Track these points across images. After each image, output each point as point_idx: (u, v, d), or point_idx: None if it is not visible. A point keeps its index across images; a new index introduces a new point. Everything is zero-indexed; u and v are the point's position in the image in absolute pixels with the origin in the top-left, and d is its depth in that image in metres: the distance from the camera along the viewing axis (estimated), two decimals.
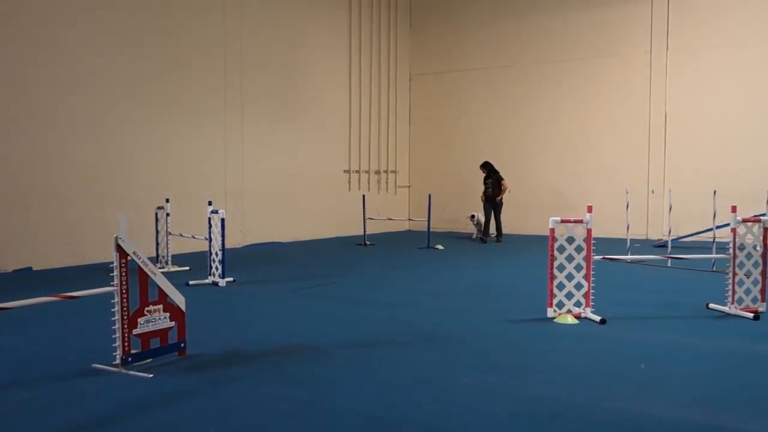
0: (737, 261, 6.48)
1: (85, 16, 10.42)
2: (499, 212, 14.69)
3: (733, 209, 6.57)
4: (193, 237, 9.59)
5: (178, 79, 11.98)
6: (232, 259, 9.55)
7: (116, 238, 4.37)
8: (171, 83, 11.85)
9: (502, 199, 14.57)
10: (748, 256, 6.53)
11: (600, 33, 15.95)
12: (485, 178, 14.72)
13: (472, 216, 15.20)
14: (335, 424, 3.60)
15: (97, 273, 9.09)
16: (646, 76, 15.44)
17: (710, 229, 10.37)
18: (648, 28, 15.37)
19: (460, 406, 3.85)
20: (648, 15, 15.35)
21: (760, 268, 6.51)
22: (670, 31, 15.15)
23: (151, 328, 4.63)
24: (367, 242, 14.01)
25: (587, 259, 6.26)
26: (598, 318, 6.10)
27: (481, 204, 14.81)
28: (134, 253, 4.46)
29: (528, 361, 4.86)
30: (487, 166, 14.78)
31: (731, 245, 6.51)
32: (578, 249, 6.28)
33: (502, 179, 14.58)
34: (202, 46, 12.45)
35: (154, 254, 9.68)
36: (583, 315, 6.26)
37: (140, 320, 4.55)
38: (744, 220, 6.59)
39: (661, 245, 13.13)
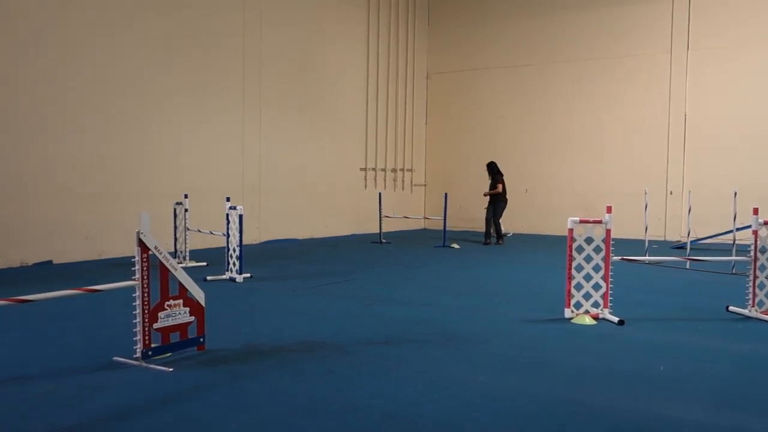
0: (758, 264, 6.42)
1: (103, 16, 10.51)
2: (499, 214, 14.16)
3: (755, 211, 6.51)
4: (211, 233, 9.66)
5: (197, 75, 12.06)
6: (249, 255, 9.61)
7: (138, 233, 4.41)
8: (190, 79, 11.93)
9: (494, 196, 14.04)
10: None
11: (620, 32, 15.85)
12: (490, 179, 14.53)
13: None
14: (353, 419, 3.61)
15: (117, 267, 9.19)
16: (665, 75, 15.33)
17: (730, 231, 10.27)
18: (668, 28, 15.25)
19: (477, 405, 3.85)
20: (669, 14, 15.23)
21: None
22: (691, 30, 15.02)
23: (171, 322, 4.67)
24: (383, 240, 14.03)
25: (606, 259, 6.23)
26: (616, 319, 6.07)
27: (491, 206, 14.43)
28: (156, 247, 4.50)
29: (545, 361, 4.85)
30: (488, 167, 14.45)
31: (752, 248, 6.44)
32: (597, 249, 6.25)
33: (498, 184, 14.09)
34: (221, 43, 12.52)
35: (173, 249, 9.77)
36: (601, 316, 6.24)
37: (161, 314, 4.59)
38: (766, 222, 6.51)
39: (679, 247, 13.03)
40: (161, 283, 4.60)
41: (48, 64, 9.76)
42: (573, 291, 6.24)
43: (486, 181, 14.67)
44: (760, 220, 6.47)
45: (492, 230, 14.16)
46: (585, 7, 16.26)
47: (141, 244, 4.44)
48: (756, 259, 6.42)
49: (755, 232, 6.46)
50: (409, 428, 3.51)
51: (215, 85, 12.45)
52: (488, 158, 16.60)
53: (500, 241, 14.05)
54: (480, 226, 16.82)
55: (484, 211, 14.98)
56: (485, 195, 14.32)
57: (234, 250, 8.42)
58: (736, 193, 9.93)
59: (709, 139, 14.92)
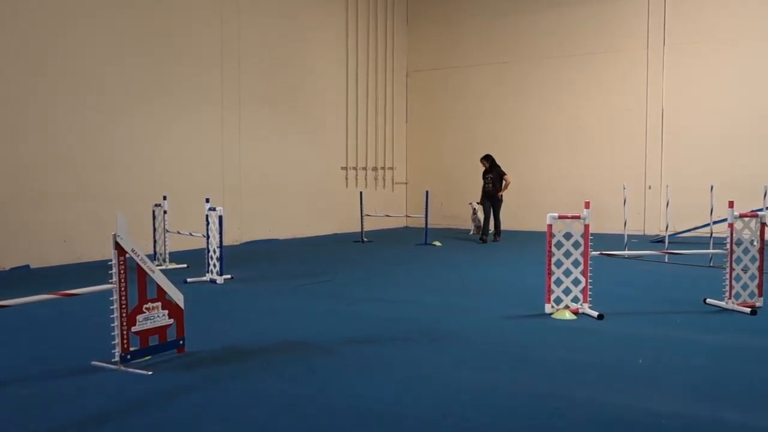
0: (734, 256, 6.51)
1: (78, 14, 10.39)
2: (499, 209, 13.90)
3: (731, 204, 6.59)
4: (191, 234, 9.58)
5: (175, 76, 11.96)
6: (229, 256, 9.54)
7: (114, 236, 4.37)
8: (168, 80, 11.83)
9: (502, 195, 13.80)
10: (746, 251, 6.56)
11: (597, 29, 15.97)
12: (485, 173, 13.88)
13: (474, 210, 15.19)
14: (336, 420, 3.60)
15: (95, 271, 9.08)
16: (643, 71, 15.47)
17: (707, 225, 10.39)
18: (645, 24, 15.39)
19: (460, 402, 3.86)
20: (645, 10, 15.37)
21: (757, 263, 6.54)
22: (667, 26, 15.17)
23: (149, 325, 4.63)
24: (365, 239, 14.01)
25: (585, 254, 6.27)
26: (595, 313, 6.11)
27: (481, 200, 14.04)
28: (132, 250, 4.46)
29: (526, 356, 4.87)
30: (488, 159, 13.90)
31: (728, 240, 6.53)
32: (576, 245, 6.30)
33: (505, 174, 13.73)
34: (199, 42, 12.43)
35: (152, 252, 9.68)
36: (580, 311, 6.28)
37: (139, 317, 4.55)
38: (741, 215, 6.61)
39: (658, 241, 13.16)
40: (139, 285, 4.56)
41: (24, 70, 9.62)
42: (553, 286, 6.28)
43: (477, 178, 14.23)
44: (736, 213, 6.56)
45: (490, 226, 13.83)
46: (563, 4, 16.35)
47: (118, 246, 4.39)
48: (732, 251, 6.51)
49: (731, 225, 6.55)
50: (392, 427, 3.51)
51: (193, 86, 12.35)
52: (469, 155, 16.68)
53: (484, 237, 13.75)
54: (462, 223, 16.89)
55: (470, 206, 15.09)
56: (500, 196, 13.71)
57: (214, 252, 8.36)
58: (713, 187, 10.05)
59: (686, 134, 15.08)
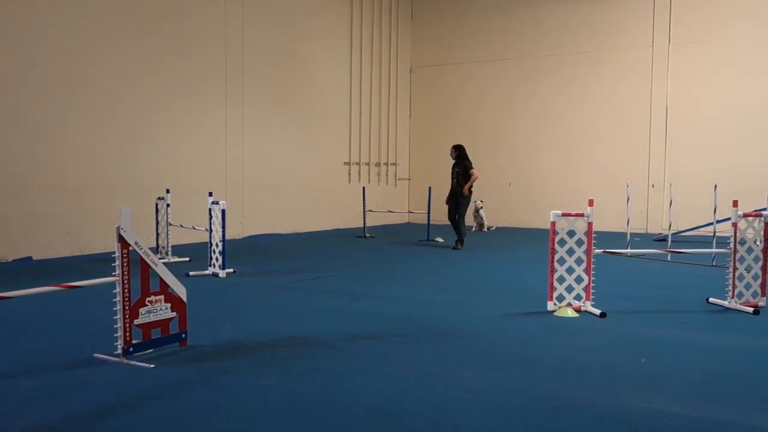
0: (738, 256, 6.49)
1: (84, 8, 10.37)
2: (463, 210, 11.67)
3: (735, 204, 6.57)
4: (194, 228, 9.59)
5: (179, 70, 11.95)
6: (232, 250, 9.56)
7: (118, 228, 4.36)
8: (172, 74, 11.81)
9: (467, 192, 11.48)
10: (749, 250, 6.54)
11: (602, 26, 15.93)
12: (453, 166, 11.76)
13: (477, 208, 15.14)
14: (337, 416, 3.60)
15: (98, 263, 9.10)
16: (647, 69, 15.42)
17: (710, 224, 10.37)
18: (650, 22, 15.34)
19: (462, 400, 3.86)
20: (650, 8, 15.32)
21: (760, 263, 6.52)
22: (672, 24, 15.12)
23: (152, 318, 4.63)
24: (367, 235, 14.01)
25: (588, 252, 6.26)
26: (598, 311, 6.11)
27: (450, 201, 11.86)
28: (136, 243, 4.46)
29: (528, 354, 4.87)
30: (457, 150, 11.74)
31: (732, 240, 6.51)
32: (579, 242, 6.29)
33: (471, 168, 11.46)
34: (203, 37, 12.41)
35: (155, 245, 9.69)
36: (583, 308, 6.28)
37: (141, 310, 4.55)
38: (745, 215, 6.59)
39: (660, 239, 13.14)
40: (142, 278, 4.55)
41: (27, 60, 9.61)
42: (555, 284, 6.27)
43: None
44: (739, 213, 6.54)
45: (461, 230, 11.71)
46: (567, 2, 16.30)
47: (121, 239, 4.39)
48: (735, 251, 6.49)
49: (734, 225, 6.53)
50: (393, 424, 3.50)
51: (197, 81, 12.33)
52: (472, 151, 16.53)
53: (458, 245, 11.65)
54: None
55: (473, 204, 13.98)
56: (465, 192, 11.46)
57: (217, 246, 8.36)
58: (716, 187, 10.02)
59: (690, 133, 15.04)
